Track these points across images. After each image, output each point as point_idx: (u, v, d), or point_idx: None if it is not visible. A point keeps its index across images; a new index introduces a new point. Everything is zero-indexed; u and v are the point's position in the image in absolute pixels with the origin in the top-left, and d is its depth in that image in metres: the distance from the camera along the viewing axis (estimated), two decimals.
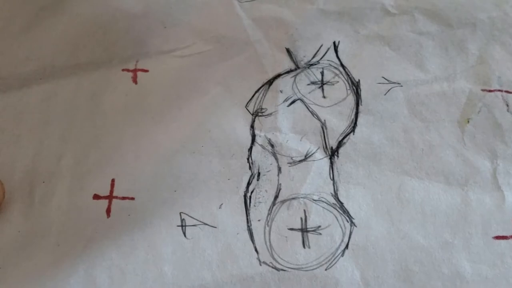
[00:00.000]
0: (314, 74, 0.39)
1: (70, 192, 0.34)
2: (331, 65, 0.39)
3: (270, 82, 0.39)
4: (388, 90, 0.38)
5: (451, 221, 0.33)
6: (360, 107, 0.37)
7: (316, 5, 0.42)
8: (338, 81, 0.38)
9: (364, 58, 0.38)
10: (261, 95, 0.38)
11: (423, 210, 0.34)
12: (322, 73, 0.39)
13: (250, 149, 0.36)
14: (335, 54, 0.39)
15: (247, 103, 0.38)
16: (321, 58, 0.39)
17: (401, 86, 0.38)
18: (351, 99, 0.38)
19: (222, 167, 0.35)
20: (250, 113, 0.37)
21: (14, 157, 0.35)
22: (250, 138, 0.36)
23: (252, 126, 0.37)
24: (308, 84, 0.38)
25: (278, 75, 0.39)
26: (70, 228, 0.33)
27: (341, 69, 0.39)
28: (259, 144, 0.36)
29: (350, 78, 0.38)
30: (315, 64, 0.39)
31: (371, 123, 0.37)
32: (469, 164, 0.35)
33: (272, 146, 0.36)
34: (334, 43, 0.39)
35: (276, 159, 0.36)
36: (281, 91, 0.38)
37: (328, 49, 0.40)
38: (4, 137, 0.36)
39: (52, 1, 0.41)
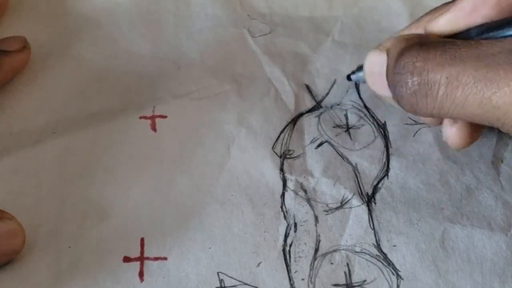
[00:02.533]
0: (338, 116, 0.37)
1: (98, 256, 0.31)
2: (354, 106, 0.38)
3: (294, 122, 0.37)
4: (417, 131, 0.37)
5: (498, 269, 0.32)
6: (391, 150, 0.36)
7: (331, 37, 0.40)
8: (363, 124, 0.37)
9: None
10: (286, 135, 0.36)
11: (469, 258, 0.33)
12: (346, 116, 0.37)
13: (283, 196, 0.34)
14: (357, 95, 0.38)
15: (274, 144, 0.36)
16: (343, 97, 0.38)
17: (429, 126, 0.37)
18: (379, 141, 0.36)
19: (255, 218, 0.33)
20: (277, 155, 0.35)
21: (36, 222, 0.32)
22: (281, 183, 0.34)
23: (281, 170, 0.35)
24: (334, 127, 0.37)
25: (301, 114, 0.37)
26: None
27: (365, 111, 0.37)
28: (291, 190, 0.34)
29: (376, 120, 0.37)
30: (338, 105, 0.38)
31: (404, 166, 0.35)
32: (509, 207, 0.34)
33: (305, 191, 0.34)
34: (355, 83, 0.38)
35: (311, 206, 0.34)
36: (306, 132, 0.36)
37: (349, 88, 0.39)
38: (24, 200, 0.32)
39: (57, 47, 0.38)
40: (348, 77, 0.36)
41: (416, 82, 0.27)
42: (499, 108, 0.25)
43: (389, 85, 0.29)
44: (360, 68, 0.35)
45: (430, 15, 0.31)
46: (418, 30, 0.31)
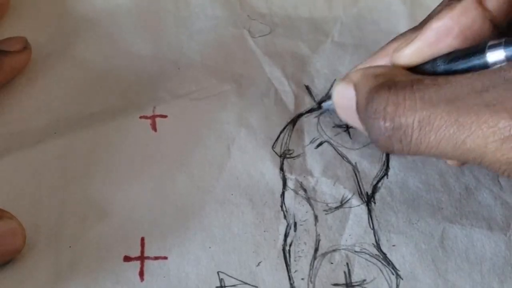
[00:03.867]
0: (337, 117, 0.37)
1: (99, 255, 0.31)
2: None
3: (293, 122, 0.37)
4: None
5: (497, 268, 0.32)
6: None
7: (331, 37, 0.40)
8: None
9: None
10: (286, 135, 0.36)
11: (468, 258, 0.33)
12: None
13: (283, 195, 0.34)
14: None
15: (273, 144, 0.36)
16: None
17: None
18: None
19: (255, 217, 0.33)
20: (277, 155, 0.35)
21: (36, 222, 0.32)
22: (281, 182, 0.34)
23: (281, 169, 0.35)
24: (333, 127, 0.37)
25: (301, 114, 0.37)
26: None
27: None
28: (291, 189, 0.34)
29: None
30: None
31: (404, 166, 0.36)
32: (508, 207, 0.34)
33: (305, 190, 0.34)
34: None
35: (311, 205, 0.34)
36: (306, 132, 0.36)
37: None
38: (25, 199, 0.32)
39: (57, 47, 0.38)
40: (319, 105, 0.37)
41: (389, 128, 0.27)
42: (474, 151, 0.25)
43: (361, 123, 0.29)
44: (330, 96, 0.35)
45: (397, 43, 0.31)
46: (384, 59, 0.31)
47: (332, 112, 0.35)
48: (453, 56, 0.28)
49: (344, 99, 0.30)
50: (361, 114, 0.29)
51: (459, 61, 0.28)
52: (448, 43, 0.28)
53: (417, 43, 0.29)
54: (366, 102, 0.28)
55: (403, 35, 0.31)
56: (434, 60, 0.29)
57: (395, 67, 0.30)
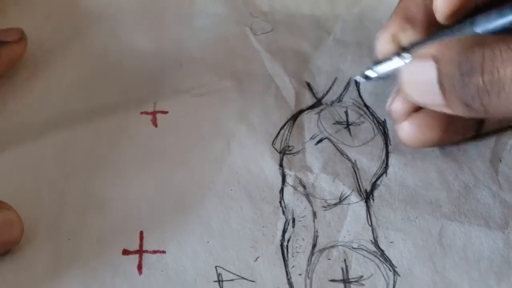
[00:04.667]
0: (338, 113, 0.37)
1: (98, 249, 0.31)
2: (354, 104, 0.38)
3: (294, 118, 0.37)
4: None
5: (495, 266, 0.32)
6: (390, 147, 0.36)
7: (333, 35, 0.41)
8: (364, 122, 0.37)
9: (387, 97, 0.37)
10: (286, 131, 0.37)
11: (466, 255, 0.33)
12: (346, 113, 0.37)
13: (282, 191, 0.34)
14: (357, 93, 0.38)
15: (273, 140, 0.36)
16: (341, 94, 0.38)
17: None
18: (379, 139, 0.37)
19: (254, 213, 0.33)
20: (277, 151, 0.36)
21: (36, 215, 0.32)
22: (280, 178, 0.35)
23: (281, 165, 0.35)
24: (334, 124, 0.37)
25: (301, 111, 0.37)
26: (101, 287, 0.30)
27: (365, 109, 0.38)
28: (290, 185, 0.34)
29: (376, 118, 0.37)
30: (338, 102, 0.38)
31: (403, 164, 0.36)
32: (507, 205, 0.34)
33: (304, 187, 0.34)
34: (355, 82, 0.38)
35: (310, 202, 0.34)
36: (306, 128, 0.37)
37: (349, 84, 0.39)
38: (25, 193, 0.33)
39: (59, 42, 0.38)
40: (366, 77, 0.34)
41: (488, 82, 0.27)
42: None
43: (445, 92, 0.29)
44: (376, 63, 0.34)
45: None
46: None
47: (379, 78, 0.34)
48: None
49: (420, 74, 0.30)
50: (448, 82, 0.29)
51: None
52: None
53: None
54: (458, 64, 0.28)
55: None
56: (500, 10, 0.29)
57: (471, 36, 0.30)
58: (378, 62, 0.34)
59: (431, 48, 0.30)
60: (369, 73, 0.34)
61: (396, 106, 0.34)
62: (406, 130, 0.34)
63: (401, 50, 0.32)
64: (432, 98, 0.30)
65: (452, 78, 0.28)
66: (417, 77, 0.30)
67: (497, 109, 0.28)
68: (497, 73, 0.27)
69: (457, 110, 0.29)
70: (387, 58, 0.33)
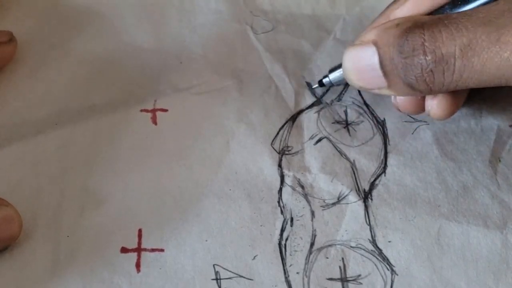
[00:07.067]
0: (337, 112, 0.38)
1: (96, 246, 0.31)
2: (354, 103, 0.38)
3: (293, 118, 0.37)
4: (415, 129, 0.37)
5: (493, 266, 0.33)
6: (389, 147, 0.36)
7: (333, 35, 0.41)
8: (363, 121, 0.37)
9: (388, 96, 0.37)
10: (285, 132, 0.37)
11: (464, 255, 0.33)
12: (345, 112, 0.37)
13: (280, 191, 0.34)
14: (357, 91, 0.38)
15: (272, 140, 0.36)
16: (341, 93, 0.38)
17: (428, 124, 0.37)
18: (378, 138, 0.37)
19: (252, 212, 0.33)
20: (276, 151, 0.36)
21: (35, 211, 0.32)
22: (279, 178, 0.35)
23: (279, 165, 0.35)
24: (333, 123, 0.37)
25: (301, 111, 0.37)
26: (99, 285, 0.30)
27: (364, 108, 0.38)
28: (289, 185, 0.35)
29: (375, 117, 0.37)
30: (338, 101, 0.38)
31: (402, 164, 0.36)
32: (505, 206, 0.34)
33: (302, 187, 0.35)
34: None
35: (308, 202, 0.34)
36: (305, 128, 0.37)
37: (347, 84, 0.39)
38: (24, 189, 0.33)
39: (59, 39, 0.38)
40: (320, 83, 0.36)
41: (431, 61, 0.28)
42: None
43: (387, 74, 0.29)
44: (332, 70, 0.35)
45: (396, 4, 0.32)
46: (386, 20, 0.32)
47: (336, 83, 0.36)
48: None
49: (361, 61, 0.30)
50: (390, 65, 0.29)
51: (466, 3, 0.29)
52: None
53: None
54: (398, 47, 0.28)
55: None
56: (441, 7, 0.30)
57: (409, 16, 0.30)
58: (333, 69, 0.35)
59: (371, 33, 0.30)
60: (324, 80, 0.36)
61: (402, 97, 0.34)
62: (438, 105, 0.33)
63: None
64: (376, 82, 0.30)
65: (394, 61, 0.29)
66: (360, 64, 0.30)
67: (442, 87, 0.28)
68: (440, 51, 0.27)
69: (402, 92, 0.30)
70: (340, 65, 0.34)
